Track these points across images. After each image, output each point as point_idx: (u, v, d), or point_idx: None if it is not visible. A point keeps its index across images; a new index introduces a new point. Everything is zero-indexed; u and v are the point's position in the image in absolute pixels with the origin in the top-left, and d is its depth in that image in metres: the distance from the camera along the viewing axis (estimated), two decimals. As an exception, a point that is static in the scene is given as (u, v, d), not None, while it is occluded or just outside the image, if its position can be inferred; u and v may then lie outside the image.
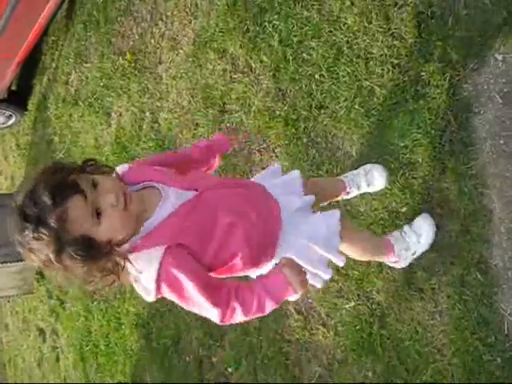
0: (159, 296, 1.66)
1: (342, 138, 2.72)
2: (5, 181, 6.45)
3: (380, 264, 2.56)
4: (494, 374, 2.17)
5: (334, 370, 2.76)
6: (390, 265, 2.47)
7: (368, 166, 2.54)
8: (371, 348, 2.59)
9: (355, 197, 2.60)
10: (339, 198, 2.55)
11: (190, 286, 1.58)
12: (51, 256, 1.45)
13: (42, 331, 5.71)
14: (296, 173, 2.07)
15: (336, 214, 1.94)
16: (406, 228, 2.39)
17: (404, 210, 2.50)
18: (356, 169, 2.57)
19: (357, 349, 2.65)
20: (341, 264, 1.97)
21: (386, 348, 2.54)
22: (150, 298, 1.68)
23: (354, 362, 2.67)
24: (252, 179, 2.19)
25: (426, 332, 2.40)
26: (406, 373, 2.45)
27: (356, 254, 2.29)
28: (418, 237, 2.36)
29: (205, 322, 3.49)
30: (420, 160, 2.43)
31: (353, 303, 2.67)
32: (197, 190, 1.72)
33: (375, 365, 2.58)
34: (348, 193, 2.51)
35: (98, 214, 1.49)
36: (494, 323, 2.19)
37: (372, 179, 2.51)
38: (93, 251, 1.49)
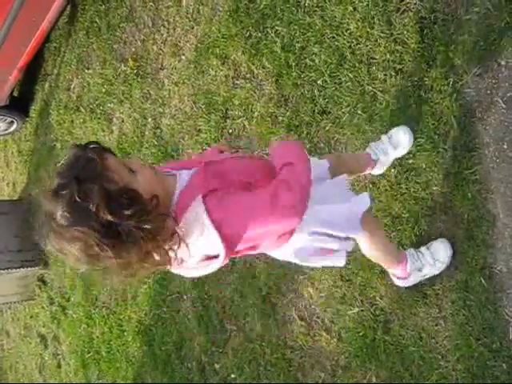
0: (229, 250, 1.55)
1: (345, 144, 2.72)
2: (7, 187, 6.44)
3: (383, 269, 2.55)
4: (499, 379, 2.16)
5: (338, 376, 2.75)
6: (395, 281, 2.44)
7: (390, 132, 2.48)
8: (375, 354, 2.58)
9: (381, 175, 2.57)
10: (367, 173, 2.52)
11: (245, 203, 1.56)
12: (102, 212, 1.35)
13: (43, 338, 5.69)
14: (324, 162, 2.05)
15: (365, 196, 1.91)
16: (423, 249, 2.37)
17: (407, 215, 2.49)
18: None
19: (360, 355, 2.64)
20: (349, 248, 1.96)
21: (389, 354, 2.53)
22: (218, 263, 1.58)
23: (357, 368, 2.65)
24: None
25: (430, 338, 2.39)
26: (411, 378, 2.44)
27: (371, 251, 2.23)
28: (434, 260, 2.33)
29: (207, 328, 3.49)
30: (423, 165, 2.43)
31: (356, 309, 2.67)
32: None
33: (379, 371, 2.57)
34: (375, 163, 2.46)
35: (132, 170, 1.49)
36: (498, 329, 2.18)
37: (397, 140, 2.44)
38: (139, 201, 1.42)
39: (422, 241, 2.43)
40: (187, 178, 1.61)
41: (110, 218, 1.35)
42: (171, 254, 1.51)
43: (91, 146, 1.50)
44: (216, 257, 1.57)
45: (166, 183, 1.61)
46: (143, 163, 1.58)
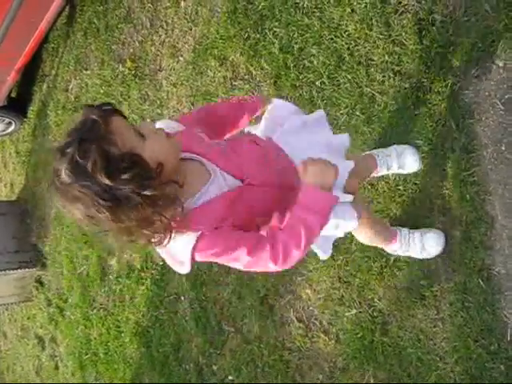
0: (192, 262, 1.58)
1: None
2: (4, 188, 6.42)
3: (381, 271, 2.55)
4: (497, 380, 2.16)
5: (336, 378, 2.75)
6: (385, 248, 2.49)
7: (400, 148, 2.46)
8: (373, 356, 2.58)
9: (380, 177, 2.57)
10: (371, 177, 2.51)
11: (229, 258, 1.57)
12: (100, 177, 1.33)
13: (40, 339, 5.68)
14: (345, 137, 2.01)
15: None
16: (416, 234, 2.39)
17: (405, 217, 2.49)
18: (386, 147, 2.51)
19: (358, 356, 2.64)
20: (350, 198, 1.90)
21: (387, 356, 2.53)
22: (185, 269, 1.59)
23: (355, 369, 2.65)
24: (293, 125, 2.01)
25: (428, 339, 2.39)
26: (409, 379, 2.44)
27: (366, 236, 2.29)
28: (421, 250, 2.36)
29: (205, 329, 3.49)
30: (422, 167, 2.43)
31: (354, 311, 2.66)
32: (243, 181, 1.66)
33: (377, 372, 2.57)
34: (377, 172, 2.46)
35: (141, 135, 1.46)
36: (496, 330, 2.18)
37: (404, 163, 2.43)
38: (142, 169, 1.40)
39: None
40: (214, 194, 1.59)
41: (106, 180, 1.34)
42: (169, 228, 1.49)
43: (103, 107, 1.47)
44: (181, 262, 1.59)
45: (192, 171, 1.60)
46: (155, 128, 1.54)
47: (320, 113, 2.07)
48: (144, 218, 1.42)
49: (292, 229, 1.55)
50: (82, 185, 1.35)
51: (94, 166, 1.33)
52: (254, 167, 1.72)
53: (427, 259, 2.39)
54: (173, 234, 1.50)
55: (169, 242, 1.50)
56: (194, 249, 1.52)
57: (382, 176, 2.54)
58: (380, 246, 2.47)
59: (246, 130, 2.00)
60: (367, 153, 2.52)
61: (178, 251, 1.56)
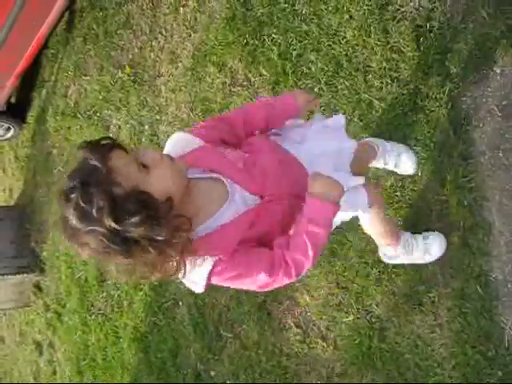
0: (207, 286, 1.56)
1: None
2: (3, 193, 6.42)
3: (379, 277, 2.55)
4: (495, 387, 2.16)
5: (334, 384, 2.75)
6: (382, 257, 2.47)
7: (401, 149, 2.45)
8: (371, 361, 2.58)
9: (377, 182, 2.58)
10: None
11: (243, 282, 1.55)
12: (107, 220, 1.27)
13: (38, 344, 5.66)
14: (351, 143, 1.94)
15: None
16: (418, 238, 2.39)
17: (403, 223, 2.49)
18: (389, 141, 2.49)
19: (356, 362, 2.64)
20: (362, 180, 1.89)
21: (385, 361, 2.53)
22: (199, 289, 1.56)
23: (353, 375, 2.65)
24: (311, 127, 1.95)
25: (425, 345, 2.39)
26: (406, 386, 2.44)
27: (375, 230, 2.27)
28: (424, 253, 2.36)
29: (203, 335, 3.48)
30: (419, 173, 2.44)
31: (352, 317, 2.66)
32: (262, 197, 1.61)
33: (375, 378, 2.57)
34: (373, 162, 2.44)
35: (144, 166, 1.38)
36: (494, 336, 2.18)
37: (400, 164, 2.44)
38: (149, 205, 1.33)
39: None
40: (233, 213, 1.54)
41: (113, 224, 1.29)
42: (182, 264, 1.44)
43: (101, 142, 1.41)
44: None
45: (208, 191, 1.55)
46: (161, 155, 1.46)
47: (339, 118, 2.01)
48: (153, 263, 1.37)
49: (299, 243, 1.54)
50: (90, 230, 1.30)
51: (100, 210, 1.28)
52: (273, 181, 1.65)
53: (426, 264, 2.39)
54: (188, 267, 1.45)
55: (184, 276, 1.46)
56: (211, 273, 1.49)
57: (380, 182, 2.54)
58: (383, 243, 2.41)
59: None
60: (368, 141, 2.46)
61: (194, 274, 1.51)
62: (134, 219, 1.30)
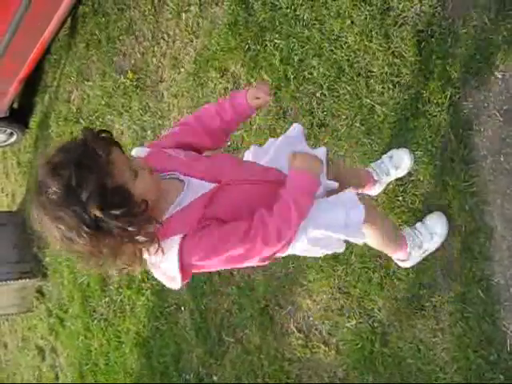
0: (185, 281, 1.64)
1: (343, 156, 2.73)
2: (6, 198, 6.43)
3: (381, 282, 2.55)
4: (497, 391, 2.16)
5: (336, 389, 2.75)
6: (398, 263, 2.43)
7: (390, 152, 2.49)
8: (373, 366, 2.58)
9: (383, 191, 2.57)
10: (366, 191, 2.50)
11: (222, 255, 1.61)
12: (90, 203, 1.36)
13: (41, 350, 5.67)
14: (322, 150, 2.01)
15: (360, 208, 1.86)
16: (418, 225, 2.37)
17: (404, 227, 2.49)
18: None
19: (358, 367, 2.63)
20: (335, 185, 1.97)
21: (387, 366, 2.53)
22: (176, 285, 1.65)
23: (355, 379, 2.65)
24: (276, 144, 2.07)
25: (427, 350, 2.39)
26: (408, 391, 2.44)
27: (373, 240, 2.22)
28: (431, 234, 2.33)
29: (205, 340, 3.48)
30: (421, 178, 2.44)
31: (354, 321, 2.66)
32: (219, 182, 1.70)
33: (377, 383, 2.56)
34: (376, 182, 2.46)
35: (133, 170, 1.50)
36: (496, 341, 2.18)
37: (398, 161, 2.45)
38: (130, 204, 1.44)
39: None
40: (190, 199, 1.63)
41: (97, 212, 1.37)
42: (145, 255, 1.57)
43: (104, 133, 1.52)
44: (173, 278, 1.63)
45: (167, 189, 1.64)
46: (144, 165, 1.58)
47: (298, 126, 2.10)
48: (119, 249, 1.48)
49: (281, 209, 1.62)
50: (71, 210, 1.38)
51: (89, 196, 1.36)
52: (229, 169, 1.79)
53: (428, 266, 2.38)
54: (158, 257, 1.56)
55: (138, 268, 1.58)
56: (180, 253, 1.55)
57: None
58: (391, 252, 2.39)
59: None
60: (361, 168, 2.55)
61: (168, 266, 1.60)
62: (115, 212, 1.40)
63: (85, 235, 1.40)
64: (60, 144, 1.45)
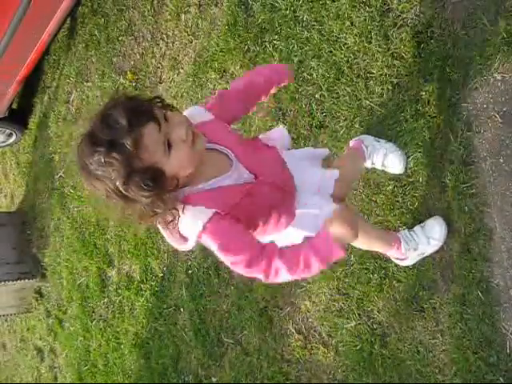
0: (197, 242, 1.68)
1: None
2: (5, 199, 6.43)
3: (381, 283, 2.55)
4: (497, 393, 2.16)
5: (335, 390, 2.74)
6: (395, 261, 2.45)
7: (391, 148, 2.48)
8: (372, 368, 2.57)
9: (378, 189, 2.60)
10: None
11: (229, 250, 1.64)
12: (118, 183, 1.45)
13: (40, 350, 5.66)
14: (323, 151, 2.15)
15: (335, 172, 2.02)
16: (416, 228, 2.38)
17: (403, 229, 2.49)
18: (379, 141, 2.53)
19: (357, 368, 2.63)
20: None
21: (387, 368, 2.52)
22: (188, 246, 1.68)
23: (354, 381, 2.65)
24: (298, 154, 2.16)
25: (427, 351, 2.39)
26: (408, 392, 2.44)
27: (364, 243, 2.28)
28: (427, 239, 2.33)
29: (204, 341, 3.48)
30: (420, 179, 2.44)
31: (353, 323, 2.66)
32: (256, 177, 1.76)
33: (376, 385, 2.56)
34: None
35: (169, 146, 1.50)
36: (496, 342, 2.18)
37: (388, 164, 2.48)
38: (160, 184, 1.49)
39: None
40: (228, 182, 1.68)
41: (123, 190, 1.46)
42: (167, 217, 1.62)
43: (156, 100, 1.60)
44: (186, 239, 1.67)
45: (213, 161, 1.69)
46: (187, 134, 1.56)
47: (325, 151, 2.21)
48: (146, 215, 1.56)
49: (293, 258, 1.64)
50: (103, 177, 1.46)
51: (117, 174, 1.44)
52: (268, 167, 1.84)
53: (428, 268, 2.39)
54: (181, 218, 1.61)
55: (174, 227, 1.63)
56: (207, 224, 1.59)
57: (380, 188, 2.55)
58: (381, 251, 2.41)
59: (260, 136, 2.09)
60: (356, 143, 2.53)
61: (187, 224, 1.63)
62: (143, 193, 1.47)
63: (116, 198, 1.50)
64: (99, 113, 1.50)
